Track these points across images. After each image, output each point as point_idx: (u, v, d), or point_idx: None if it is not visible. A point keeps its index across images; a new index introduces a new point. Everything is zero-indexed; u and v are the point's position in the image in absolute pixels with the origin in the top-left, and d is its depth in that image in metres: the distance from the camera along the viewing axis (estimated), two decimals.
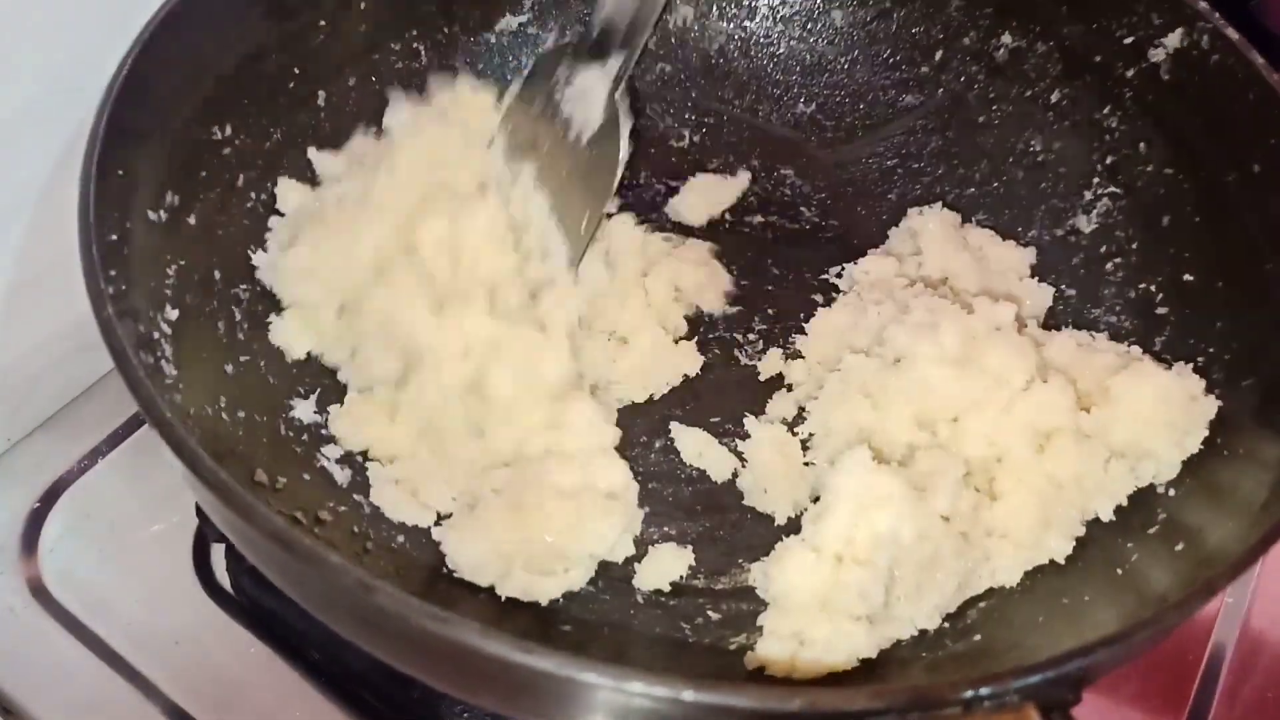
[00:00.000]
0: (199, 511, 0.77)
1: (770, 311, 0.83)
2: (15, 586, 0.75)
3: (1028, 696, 0.46)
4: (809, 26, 0.92)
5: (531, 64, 0.85)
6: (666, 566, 0.69)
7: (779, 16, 0.93)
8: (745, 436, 0.76)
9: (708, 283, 0.82)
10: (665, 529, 0.72)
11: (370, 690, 0.72)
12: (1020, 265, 0.82)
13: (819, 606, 0.64)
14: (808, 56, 0.93)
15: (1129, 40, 0.78)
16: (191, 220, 0.67)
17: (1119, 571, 0.65)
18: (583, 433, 0.71)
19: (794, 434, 0.75)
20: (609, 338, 0.78)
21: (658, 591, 0.68)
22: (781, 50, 0.93)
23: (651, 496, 0.73)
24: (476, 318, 0.70)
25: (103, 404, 0.84)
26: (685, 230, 0.86)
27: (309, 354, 0.73)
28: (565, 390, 0.72)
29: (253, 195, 0.74)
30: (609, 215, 0.82)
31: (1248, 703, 0.77)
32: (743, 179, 0.89)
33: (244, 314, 0.70)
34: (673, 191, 0.88)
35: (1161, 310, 0.76)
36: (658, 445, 0.76)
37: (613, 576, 0.69)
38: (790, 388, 0.79)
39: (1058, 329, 0.78)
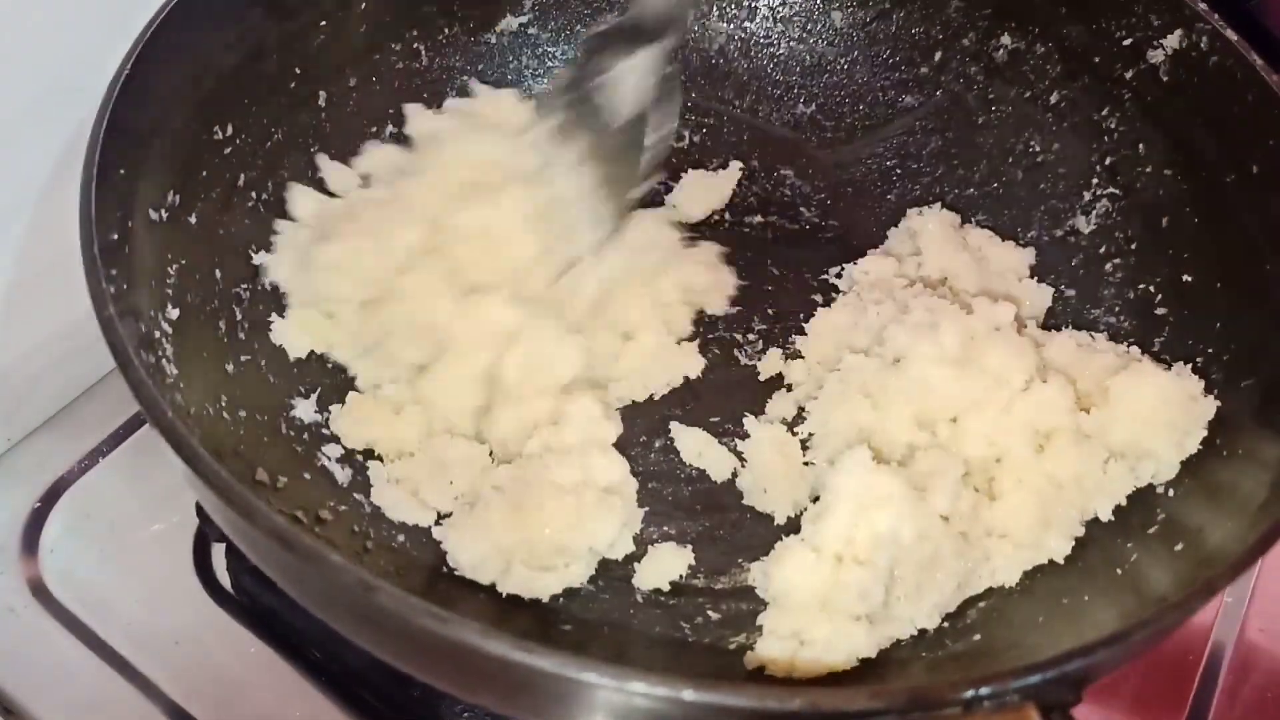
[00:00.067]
0: (199, 511, 0.77)
1: (770, 311, 0.83)
2: (15, 586, 0.75)
3: (1028, 696, 0.46)
4: (809, 27, 0.93)
5: (576, 49, 0.86)
6: (666, 566, 0.69)
7: (779, 17, 0.93)
8: (745, 436, 0.76)
9: (714, 286, 0.83)
10: (665, 528, 0.72)
11: (370, 690, 0.72)
12: (1019, 266, 0.82)
13: (819, 606, 0.64)
14: (807, 57, 0.93)
15: (1128, 41, 0.78)
16: (192, 220, 0.67)
17: (1119, 571, 0.65)
18: (582, 428, 0.71)
19: (794, 434, 0.75)
20: (614, 334, 0.78)
21: (657, 591, 0.69)
22: (781, 51, 0.93)
23: (651, 496, 0.73)
24: (500, 306, 0.71)
25: (103, 404, 0.84)
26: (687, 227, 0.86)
27: (311, 353, 0.73)
28: (574, 382, 0.73)
29: (253, 195, 0.74)
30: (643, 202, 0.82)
31: (1247, 703, 0.77)
32: (734, 169, 0.90)
33: (245, 313, 0.71)
34: (669, 191, 0.88)
35: (1161, 311, 0.76)
36: (658, 445, 0.76)
37: (612, 576, 0.69)
38: (790, 388, 0.79)
39: (1057, 329, 0.78)
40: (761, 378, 0.80)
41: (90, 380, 0.85)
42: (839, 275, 0.84)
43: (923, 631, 0.65)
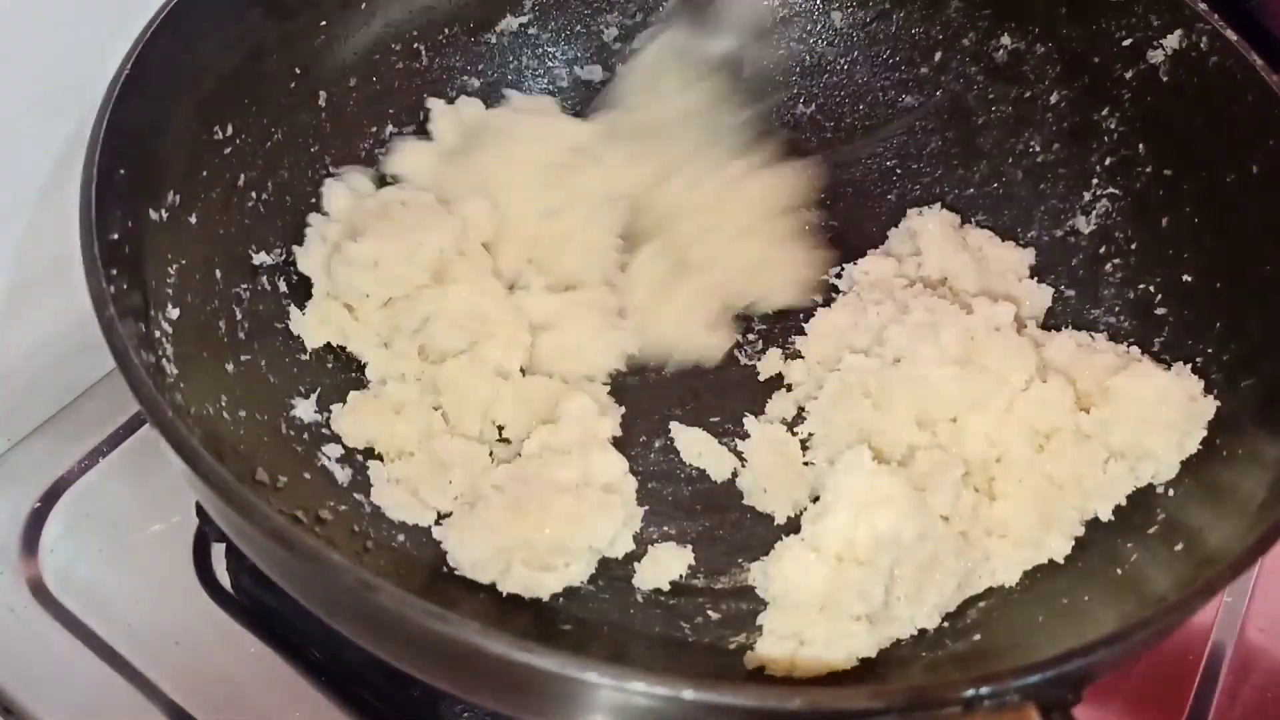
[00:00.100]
0: (199, 511, 0.77)
1: (770, 311, 0.83)
2: (15, 586, 0.75)
3: (1028, 696, 0.46)
4: (809, 28, 0.92)
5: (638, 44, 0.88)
6: (666, 566, 0.69)
7: (779, 18, 0.93)
8: (745, 436, 0.76)
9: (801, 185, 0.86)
10: (665, 528, 0.72)
11: (370, 690, 0.72)
12: (1019, 266, 0.82)
13: (819, 606, 0.64)
14: (807, 57, 0.93)
15: (1128, 41, 0.78)
16: (193, 219, 0.67)
17: (1119, 571, 0.65)
18: (578, 423, 0.71)
19: (794, 434, 0.75)
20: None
21: (657, 591, 0.69)
22: (781, 51, 0.93)
23: (651, 496, 0.73)
24: (537, 295, 0.76)
25: (103, 404, 0.84)
26: None
27: (313, 352, 0.73)
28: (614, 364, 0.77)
29: (254, 195, 0.74)
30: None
31: (1247, 703, 0.77)
32: None
33: (245, 313, 0.71)
34: None
35: (1160, 310, 0.76)
36: (657, 445, 0.76)
37: (612, 576, 0.69)
38: (790, 388, 0.79)
39: (1057, 329, 0.78)
40: (761, 378, 0.80)
41: (90, 380, 0.85)
42: (839, 275, 0.84)
43: (923, 631, 0.65)
